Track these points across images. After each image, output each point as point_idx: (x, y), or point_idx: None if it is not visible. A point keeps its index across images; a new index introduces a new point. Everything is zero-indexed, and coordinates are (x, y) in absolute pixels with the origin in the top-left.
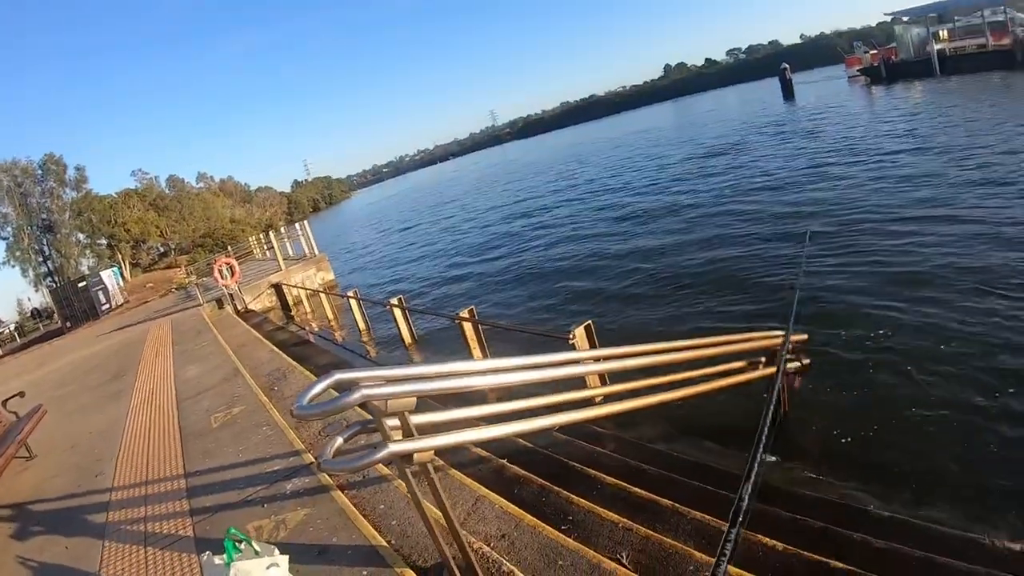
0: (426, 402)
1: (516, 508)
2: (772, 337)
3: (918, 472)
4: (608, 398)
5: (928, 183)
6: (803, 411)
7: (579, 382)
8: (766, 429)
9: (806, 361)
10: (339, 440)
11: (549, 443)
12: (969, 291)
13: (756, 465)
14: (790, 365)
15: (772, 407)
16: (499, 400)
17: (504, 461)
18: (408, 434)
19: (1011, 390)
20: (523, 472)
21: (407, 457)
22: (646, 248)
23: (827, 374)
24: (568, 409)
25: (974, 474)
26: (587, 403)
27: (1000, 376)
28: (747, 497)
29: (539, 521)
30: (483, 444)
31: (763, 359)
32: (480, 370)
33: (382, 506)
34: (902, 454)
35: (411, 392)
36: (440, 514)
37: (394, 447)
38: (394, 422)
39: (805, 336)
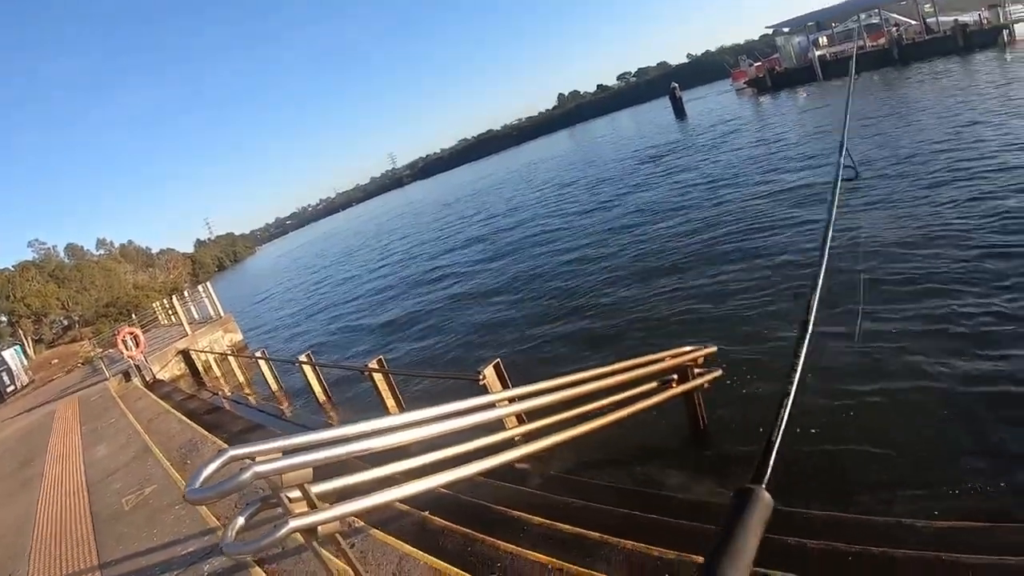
0: (350, 462)
1: (441, 563)
2: (682, 354)
3: (835, 467)
4: (527, 437)
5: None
6: (719, 423)
7: (497, 424)
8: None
9: (717, 372)
10: (240, 520)
11: (471, 489)
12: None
13: None
14: (702, 379)
15: (690, 424)
16: (417, 453)
17: (426, 514)
18: (312, 505)
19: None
20: (446, 523)
21: (311, 531)
22: (550, 272)
23: (739, 383)
24: (487, 453)
25: (890, 461)
26: (507, 445)
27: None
28: None
29: (466, 574)
30: (404, 500)
31: (675, 377)
32: (392, 426)
33: None
34: (819, 451)
35: (307, 463)
36: None
37: (295, 523)
38: (296, 493)
39: (714, 348)
